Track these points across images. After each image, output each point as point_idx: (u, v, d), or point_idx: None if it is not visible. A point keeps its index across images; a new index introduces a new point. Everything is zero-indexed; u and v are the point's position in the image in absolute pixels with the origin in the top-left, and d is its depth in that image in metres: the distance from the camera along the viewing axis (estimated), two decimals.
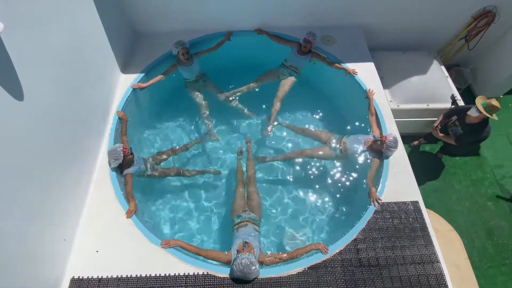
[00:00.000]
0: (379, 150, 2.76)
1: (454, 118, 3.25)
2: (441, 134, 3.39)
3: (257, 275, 2.16)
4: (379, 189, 2.67)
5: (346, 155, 2.94)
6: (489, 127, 3.07)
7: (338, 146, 2.99)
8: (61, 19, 2.30)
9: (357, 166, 3.03)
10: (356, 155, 2.89)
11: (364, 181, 2.74)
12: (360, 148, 2.86)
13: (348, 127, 3.48)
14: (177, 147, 3.35)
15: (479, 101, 2.93)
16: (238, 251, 2.18)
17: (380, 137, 2.73)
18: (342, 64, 3.46)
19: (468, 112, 3.01)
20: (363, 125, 3.26)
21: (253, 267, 2.06)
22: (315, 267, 2.29)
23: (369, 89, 3.24)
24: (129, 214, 2.47)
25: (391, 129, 3.03)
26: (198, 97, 3.53)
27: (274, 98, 3.48)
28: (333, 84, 3.74)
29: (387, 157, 2.81)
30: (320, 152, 3.10)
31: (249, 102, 3.67)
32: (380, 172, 2.76)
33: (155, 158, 3.08)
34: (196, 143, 3.51)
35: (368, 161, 2.83)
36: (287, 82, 3.50)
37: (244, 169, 3.19)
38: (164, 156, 3.16)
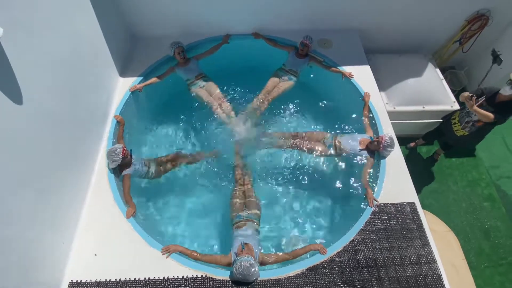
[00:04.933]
0: (375, 150, 2.80)
1: (482, 99, 3.02)
2: (477, 108, 3.01)
3: (257, 276, 2.16)
4: (375, 190, 2.69)
5: (341, 153, 2.97)
6: None
7: (332, 143, 3.02)
8: (60, 24, 2.32)
9: (353, 166, 3.05)
10: (351, 154, 2.91)
11: (360, 178, 2.76)
12: (355, 147, 2.89)
13: (343, 128, 3.50)
14: (188, 154, 3.22)
15: None
16: (237, 254, 2.18)
17: (377, 138, 2.76)
18: (338, 67, 3.49)
19: (501, 91, 2.86)
20: (359, 126, 3.28)
21: (253, 269, 2.06)
22: (313, 268, 2.30)
23: (365, 92, 3.27)
24: (128, 215, 2.47)
25: (387, 131, 3.06)
26: (205, 96, 3.43)
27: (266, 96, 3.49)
28: (328, 86, 3.76)
29: (384, 157, 2.84)
30: (315, 147, 3.11)
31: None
32: (377, 173, 2.78)
33: (159, 160, 3.03)
34: (210, 155, 3.29)
35: (364, 160, 2.85)
36: (285, 85, 3.55)
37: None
38: (168, 165, 3.06)
